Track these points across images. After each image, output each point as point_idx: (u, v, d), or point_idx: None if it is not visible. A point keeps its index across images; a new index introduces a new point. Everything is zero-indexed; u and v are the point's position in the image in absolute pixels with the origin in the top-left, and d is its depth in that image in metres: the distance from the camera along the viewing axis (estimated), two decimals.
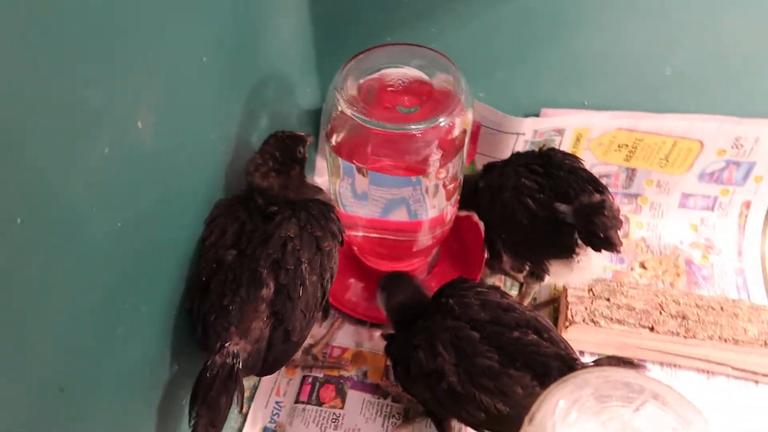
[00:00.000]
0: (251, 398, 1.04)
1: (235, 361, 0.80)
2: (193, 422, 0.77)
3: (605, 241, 0.84)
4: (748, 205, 1.28)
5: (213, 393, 0.78)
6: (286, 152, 0.94)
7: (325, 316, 1.01)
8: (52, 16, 0.52)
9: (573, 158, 1.01)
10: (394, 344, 0.92)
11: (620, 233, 0.86)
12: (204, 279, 0.83)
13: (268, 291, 0.82)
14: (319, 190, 0.99)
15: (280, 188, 0.92)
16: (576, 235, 0.89)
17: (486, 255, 1.16)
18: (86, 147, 0.60)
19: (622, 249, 1.19)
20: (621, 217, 0.87)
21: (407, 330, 0.89)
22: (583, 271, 0.95)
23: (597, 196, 0.91)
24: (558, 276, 1.01)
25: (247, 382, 1.06)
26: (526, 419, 0.61)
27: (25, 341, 0.55)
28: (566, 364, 0.77)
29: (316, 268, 0.86)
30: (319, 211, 0.88)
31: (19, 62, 0.49)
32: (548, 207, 0.93)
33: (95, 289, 0.65)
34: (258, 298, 0.81)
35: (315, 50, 1.23)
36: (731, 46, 1.08)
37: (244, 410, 1.03)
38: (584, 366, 0.77)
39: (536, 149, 1.06)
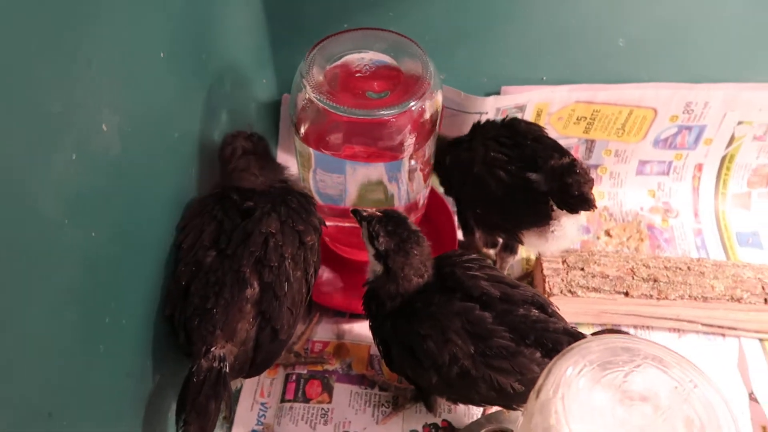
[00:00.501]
0: (235, 402, 1.01)
1: (222, 365, 0.77)
2: (182, 430, 0.74)
3: (580, 199, 0.85)
4: (700, 167, 1.33)
5: (201, 399, 0.75)
6: (226, 152, 0.94)
7: (307, 311, 0.99)
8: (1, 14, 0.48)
9: (536, 127, 1.03)
10: (386, 326, 0.86)
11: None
12: (183, 283, 0.80)
13: (252, 291, 0.79)
14: (285, 168, 0.98)
15: (261, 163, 0.92)
16: (551, 202, 0.91)
17: (459, 233, 1.16)
18: (52, 154, 0.56)
19: (587, 217, 1.23)
20: (591, 176, 0.88)
21: (404, 306, 0.85)
22: (558, 239, 0.96)
23: (566, 159, 0.92)
24: (532, 246, 1.03)
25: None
26: (532, 394, 0.62)
27: (10, 368, 0.51)
28: (575, 338, 0.77)
29: (300, 263, 0.84)
30: (300, 204, 0.86)
31: None
32: (520, 177, 0.94)
33: (73, 307, 0.60)
34: (243, 299, 0.78)
35: (270, 40, 1.19)
36: (680, 15, 1.12)
37: (227, 415, 1.00)
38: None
39: (499, 120, 1.06)
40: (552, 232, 0.95)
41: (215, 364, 0.77)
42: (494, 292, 0.81)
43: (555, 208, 0.91)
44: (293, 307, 0.82)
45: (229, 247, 0.80)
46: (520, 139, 0.99)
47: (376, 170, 0.94)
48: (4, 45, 0.48)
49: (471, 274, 0.84)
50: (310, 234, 0.85)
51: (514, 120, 1.04)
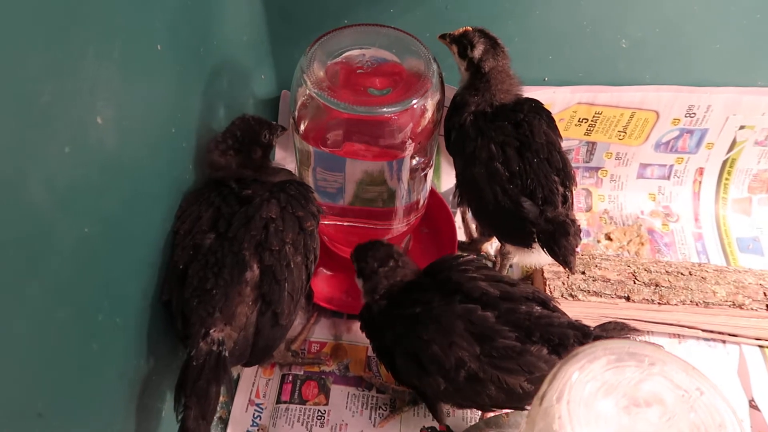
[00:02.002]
0: (229, 402, 1.00)
1: (221, 348, 0.76)
2: (181, 416, 0.72)
3: (563, 262, 0.85)
4: (701, 171, 1.32)
5: (202, 382, 0.73)
6: (249, 133, 0.90)
7: (308, 302, 0.97)
8: None
9: (552, 137, 0.97)
10: (386, 333, 0.85)
11: (584, 210, 0.87)
12: (181, 267, 0.78)
13: (252, 274, 0.78)
14: (287, 172, 0.95)
15: (237, 167, 0.88)
16: (535, 234, 0.89)
17: (459, 232, 1.15)
18: (44, 146, 0.54)
19: (588, 220, 1.21)
20: (580, 227, 0.89)
21: (398, 314, 0.83)
22: (540, 257, 0.94)
23: (563, 212, 0.89)
24: (515, 254, 1.01)
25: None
26: (536, 399, 0.60)
27: None
28: (581, 332, 0.76)
29: (300, 249, 0.83)
30: (298, 192, 0.85)
31: None
32: (514, 200, 0.91)
33: (65, 305, 0.59)
34: (242, 281, 0.77)
35: (269, 34, 1.17)
36: (684, 17, 1.11)
37: (223, 416, 0.99)
38: (596, 333, 0.77)
39: (516, 116, 0.97)
40: (533, 251, 0.93)
41: (214, 348, 0.75)
42: (494, 292, 0.80)
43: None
44: (293, 293, 0.81)
45: (230, 230, 0.79)
46: (529, 154, 0.93)
47: (377, 168, 0.93)
48: None
49: (468, 276, 0.83)
50: (309, 220, 0.84)
51: (533, 129, 0.95)
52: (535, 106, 1.00)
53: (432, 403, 0.89)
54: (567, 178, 0.94)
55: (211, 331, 0.75)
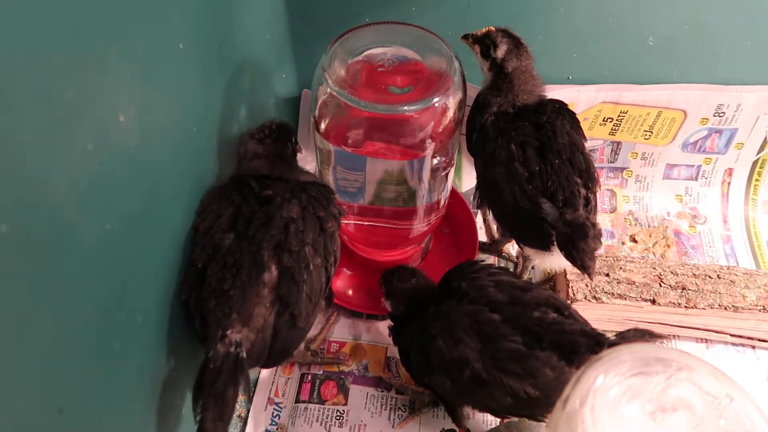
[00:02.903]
0: (249, 401, 1.00)
1: (238, 350, 0.75)
2: (199, 417, 0.72)
3: (581, 267, 0.83)
4: (730, 172, 1.29)
5: (219, 384, 0.73)
6: (284, 130, 0.92)
7: (328, 304, 0.97)
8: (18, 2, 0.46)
9: (575, 136, 0.95)
10: (405, 335, 0.88)
11: (608, 211, 0.85)
12: (200, 266, 0.78)
13: (270, 275, 0.77)
14: (311, 174, 0.95)
15: (274, 158, 0.89)
16: (554, 236, 0.88)
17: (480, 233, 1.14)
18: (67, 144, 0.54)
19: (612, 222, 1.19)
20: (601, 230, 0.87)
21: (416, 318, 0.85)
22: (558, 260, 0.93)
23: (583, 214, 0.88)
24: (533, 256, 1.00)
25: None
26: (559, 403, 0.59)
27: (20, 363, 0.50)
28: (594, 339, 0.75)
29: (320, 251, 0.82)
30: (320, 193, 0.85)
31: None
32: (533, 201, 0.90)
33: (86, 303, 0.59)
34: (260, 282, 0.77)
35: (290, 33, 1.17)
36: (713, 13, 1.08)
37: (242, 414, 0.99)
38: (610, 341, 0.75)
39: (538, 118, 0.95)
40: (552, 254, 0.92)
41: (232, 350, 0.75)
42: (501, 298, 0.81)
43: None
44: (312, 295, 0.81)
45: (250, 229, 0.79)
46: (550, 154, 0.91)
47: (398, 168, 0.92)
48: (20, 29, 0.47)
49: (478, 284, 0.84)
50: (330, 221, 0.83)
51: (556, 129, 0.93)
52: (559, 107, 0.98)
53: (451, 405, 0.88)
54: (590, 180, 0.93)
55: (228, 332, 0.75)
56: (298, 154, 0.97)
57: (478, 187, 1.03)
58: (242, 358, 0.75)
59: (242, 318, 0.76)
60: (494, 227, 1.19)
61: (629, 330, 0.76)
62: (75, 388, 0.58)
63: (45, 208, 0.52)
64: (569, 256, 0.85)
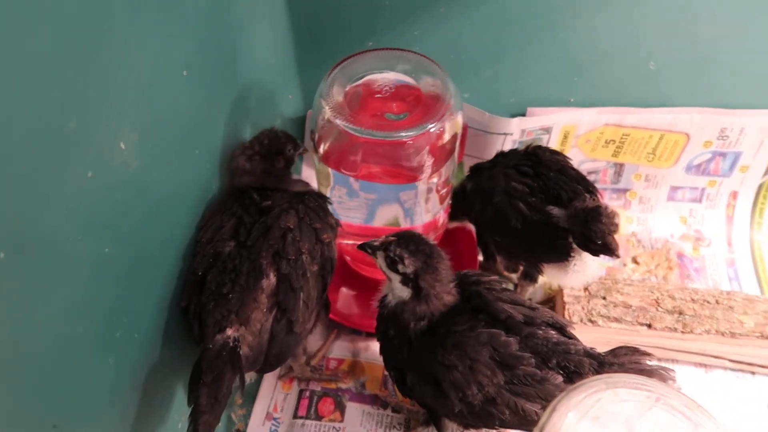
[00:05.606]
0: (247, 416, 1.02)
1: (236, 344, 0.77)
2: (195, 394, 0.72)
3: (603, 247, 0.83)
4: (735, 195, 1.28)
5: (219, 362, 0.74)
6: (276, 144, 0.94)
7: (327, 312, 0.98)
8: (21, 29, 0.49)
9: (561, 157, 1.01)
10: (402, 353, 0.83)
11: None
12: (200, 273, 0.82)
13: (268, 282, 0.80)
14: (306, 184, 0.98)
15: (262, 174, 0.92)
16: (571, 239, 0.89)
17: (480, 257, 1.15)
18: (68, 172, 0.57)
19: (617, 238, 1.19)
20: (617, 221, 0.86)
21: (420, 338, 0.81)
22: (579, 274, 0.94)
23: (591, 200, 0.89)
24: (553, 278, 1.01)
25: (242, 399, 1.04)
26: (536, 430, 0.60)
27: (16, 380, 0.52)
28: (597, 360, 0.75)
29: (317, 259, 0.85)
30: (317, 204, 0.88)
31: None
32: (541, 211, 0.92)
33: (84, 321, 0.62)
34: (258, 288, 0.79)
35: (295, 57, 1.20)
36: (716, 38, 1.08)
37: (241, 428, 1.01)
38: (608, 360, 0.76)
39: (522, 148, 1.05)
40: (573, 266, 0.93)
41: (230, 342, 0.77)
42: (518, 316, 0.79)
43: (575, 245, 0.89)
44: (309, 301, 0.83)
45: (249, 239, 0.82)
46: (543, 169, 0.97)
47: (394, 191, 0.94)
48: (23, 58, 0.50)
49: (496, 296, 0.82)
50: (326, 232, 0.87)
51: (538, 149, 1.01)
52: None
53: (436, 418, 0.89)
54: (589, 186, 0.95)
55: (227, 329, 0.77)
56: (306, 171, 0.99)
57: (479, 235, 1.08)
58: (239, 352, 0.77)
59: (240, 319, 0.79)
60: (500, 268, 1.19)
61: (621, 347, 0.76)
62: (70, 404, 0.60)
63: (44, 234, 0.55)
64: (588, 241, 0.85)
